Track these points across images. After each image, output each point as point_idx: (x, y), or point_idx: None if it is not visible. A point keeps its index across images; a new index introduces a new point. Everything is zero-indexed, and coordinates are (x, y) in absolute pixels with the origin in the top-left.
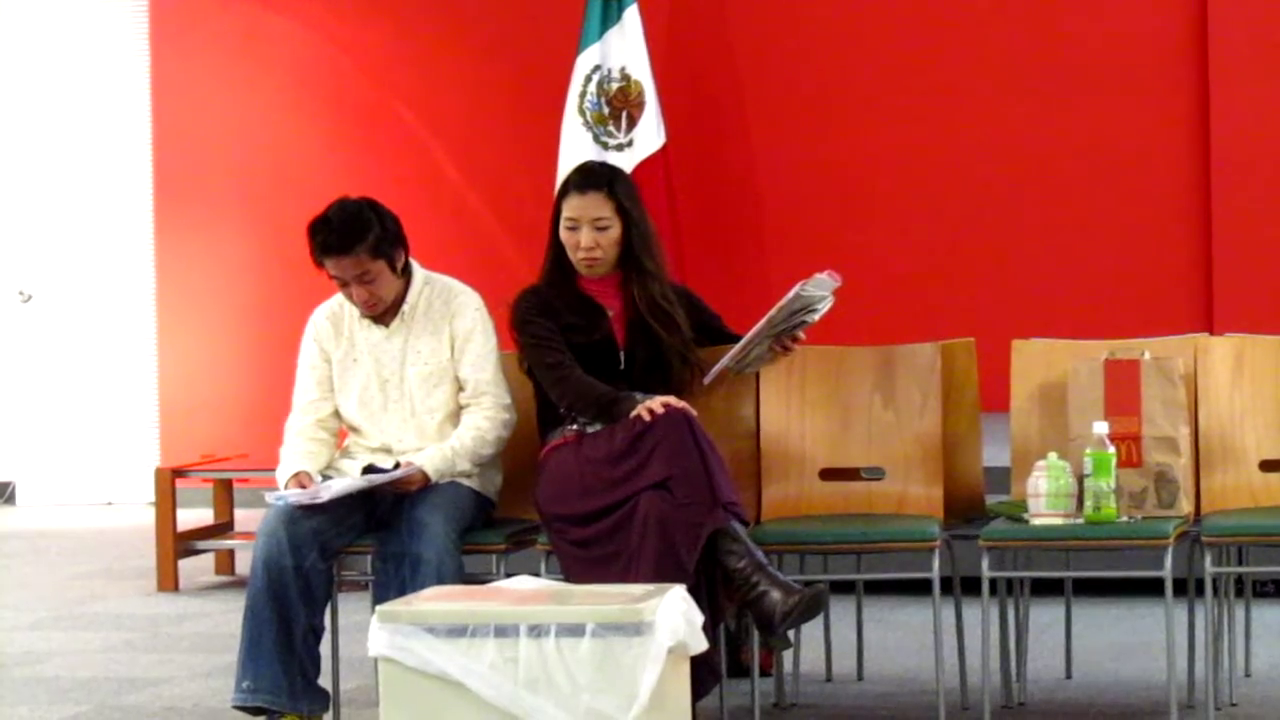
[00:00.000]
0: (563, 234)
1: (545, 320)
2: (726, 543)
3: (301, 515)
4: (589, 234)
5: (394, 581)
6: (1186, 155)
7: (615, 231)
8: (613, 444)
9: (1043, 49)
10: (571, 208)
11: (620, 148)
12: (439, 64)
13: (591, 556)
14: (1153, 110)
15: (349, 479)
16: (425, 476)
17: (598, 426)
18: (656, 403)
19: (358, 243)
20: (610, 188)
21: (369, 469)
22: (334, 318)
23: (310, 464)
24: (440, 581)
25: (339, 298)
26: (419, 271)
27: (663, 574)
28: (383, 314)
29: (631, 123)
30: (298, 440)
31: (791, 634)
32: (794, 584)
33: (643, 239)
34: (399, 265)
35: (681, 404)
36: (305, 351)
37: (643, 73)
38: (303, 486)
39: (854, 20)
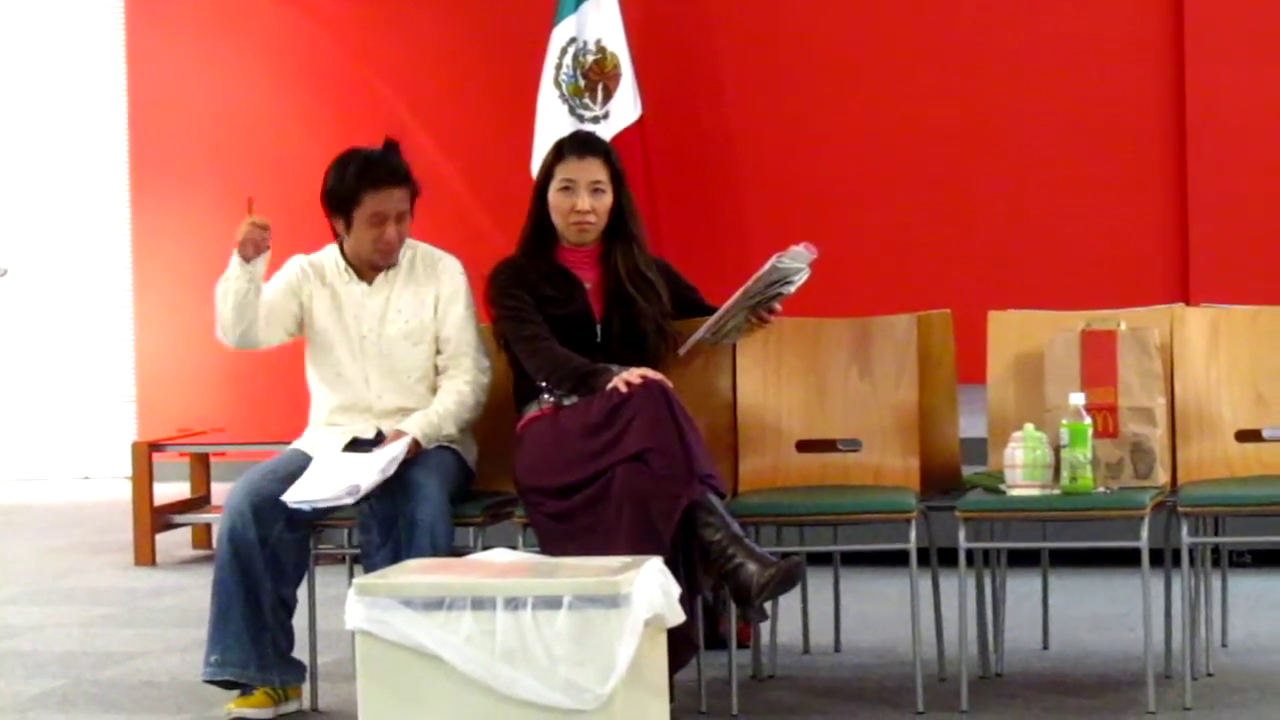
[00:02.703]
0: (555, 196)
1: (522, 292)
2: (703, 515)
3: (268, 486)
4: (586, 197)
5: (387, 544)
6: (1162, 126)
7: (609, 199)
8: (589, 416)
9: (1019, 20)
10: (569, 169)
11: (596, 120)
12: (414, 37)
13: (568, 529)
14: (1128, 82)
15: (368, 465)
16: (416, 443)
17: (574, 399)
18: (633, 375)
19: (408, 179)
20: (607, 155)
21: (353, 444)
22: (315, 267)
23: None
24: (433, 543)
25: (320, 254)
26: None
27: (640, 546)
28: (365, 271)
29: (608, 95)
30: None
31: (768, 606)
32: (770, 556)
33: (632, 209)
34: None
35: (658, 376)
36: (281, 271)
37: (619, 45)
38: None
39: None
